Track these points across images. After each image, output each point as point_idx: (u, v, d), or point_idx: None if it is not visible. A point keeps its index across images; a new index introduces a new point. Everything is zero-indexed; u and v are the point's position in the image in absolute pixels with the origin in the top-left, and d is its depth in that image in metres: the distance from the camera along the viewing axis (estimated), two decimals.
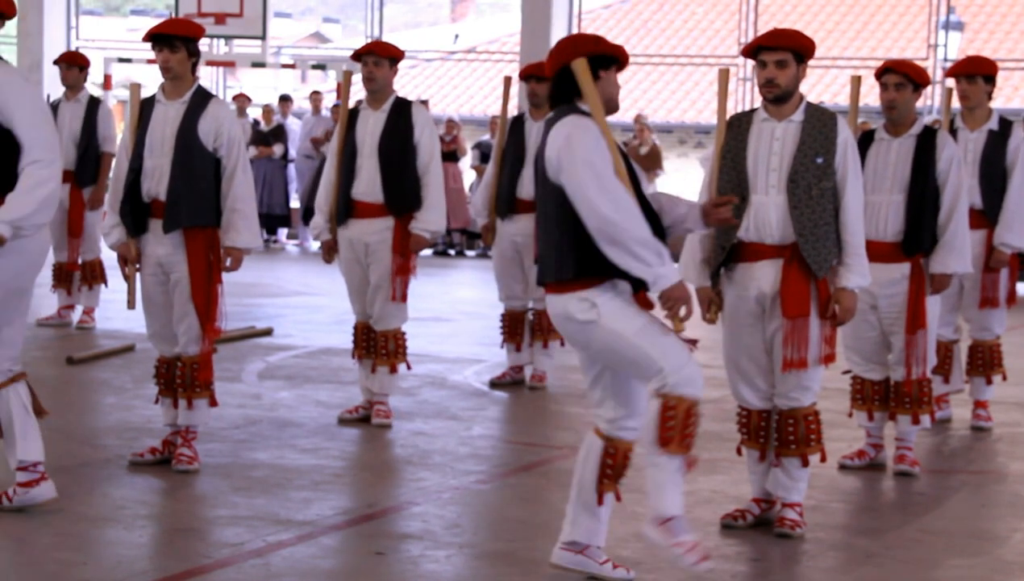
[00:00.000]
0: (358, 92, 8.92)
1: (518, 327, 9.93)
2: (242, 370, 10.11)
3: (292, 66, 24.27)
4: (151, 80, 7.90)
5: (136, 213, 7.22)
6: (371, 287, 8.48)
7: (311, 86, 29.02)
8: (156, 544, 6.15)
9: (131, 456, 7.36)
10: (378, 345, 8.53)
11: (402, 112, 8.42)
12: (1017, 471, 8.07)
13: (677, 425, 5.40)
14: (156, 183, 7.18)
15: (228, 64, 22.33)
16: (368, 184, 8.37)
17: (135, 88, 7.36)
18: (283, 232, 21.43)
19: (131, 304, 7.46)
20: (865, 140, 7.53)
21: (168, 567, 5.74)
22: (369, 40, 22.62)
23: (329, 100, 21.66)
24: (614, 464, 5.60)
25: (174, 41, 7.17)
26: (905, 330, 7.49)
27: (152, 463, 7.30)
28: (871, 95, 9.03)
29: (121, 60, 22.11)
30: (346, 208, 8.43)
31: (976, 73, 8.61)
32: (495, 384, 9.98)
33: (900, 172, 7.44)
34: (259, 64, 21.44)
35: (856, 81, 7.42)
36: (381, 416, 8.53)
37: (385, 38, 23.15)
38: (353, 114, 8.51)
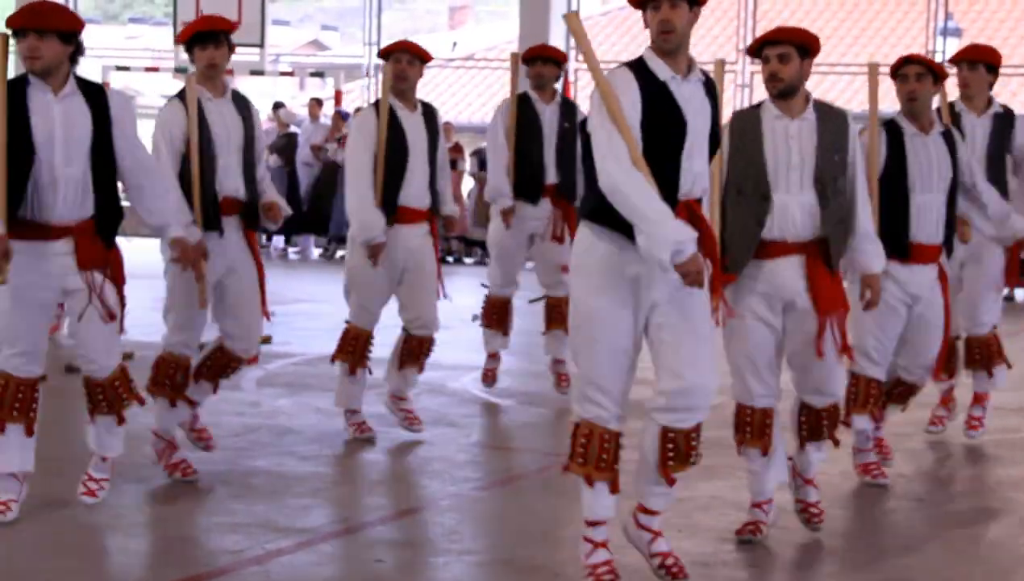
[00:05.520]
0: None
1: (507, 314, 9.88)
2: (241, 377, 10.05)
3: (290, 74, 24.29)
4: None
5: (210, 210, 7.15)
6: (410, 292, 8.35)
7: (309, 93, 29.00)
8: (154, 552, 6.14)
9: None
10: (418, 349, 8.45)
11: (431, 115, 8.41)
12: (1016, 477, 8.06)
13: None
14: (233, 180, 7.21)
15: (226, 72, 22.36)
16: (419, 189, 8.25)
17: (191, 80, 7.24)
18: (279, 239, 21.41)
19: (203, 303, 7.23)
20: (893, 136, 7.41)
21: (166, 574, 5.74)
22: (370, 47, 22.70)
23: (328, 107, 21.63)
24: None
25: (220, 36, 7.21)
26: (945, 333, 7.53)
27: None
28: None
29: (119, 68, 22.11)
30: (392, 213, 8.16)
31: (978, 60, 8.45)
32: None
33: (943, 170, 7.41)
34: (257, 72, 21.44)
35: (874, 69, 7.27)
36: (417, 423, 8.49)
37: (384, 45, 23.15)
38: (391, 116, 8.19)
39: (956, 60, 8.57)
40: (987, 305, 8.68)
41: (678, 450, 5.60)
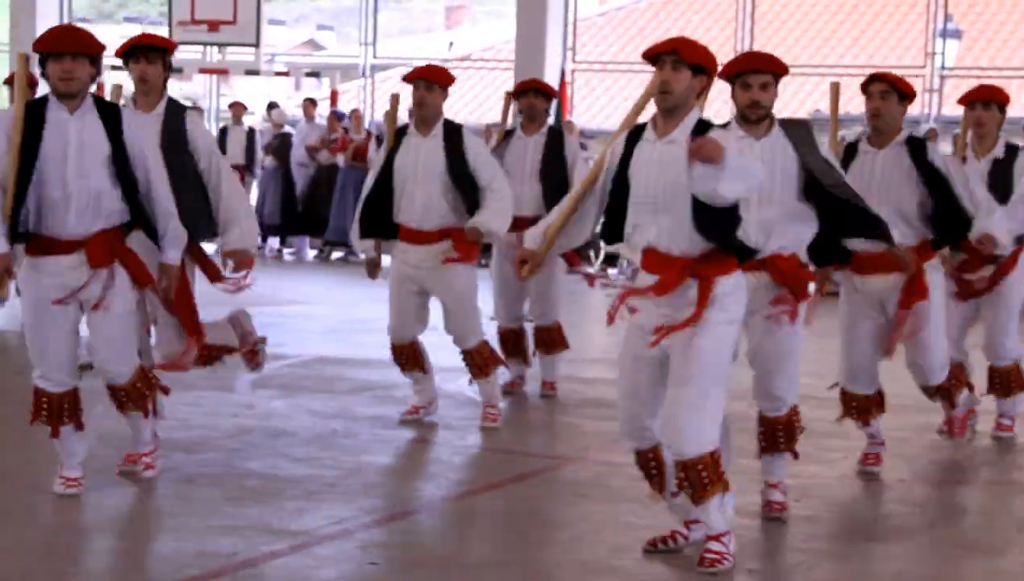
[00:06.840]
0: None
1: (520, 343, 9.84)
2: (235, 379, 10.05)
3: (286, 74, 24.23)
4: None
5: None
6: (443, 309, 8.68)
7: (304, 93, 28.97)
8: (148, 554, 6.10)
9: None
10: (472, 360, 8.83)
11: (451, 136, 8.47)
12: (1016, 481, 8.04)
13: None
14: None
15: (221, 72, 22.31)
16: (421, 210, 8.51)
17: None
18: (275, 240, 21.32)
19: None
20: (849, 152, 7.53)
21: (160, 577, 5.71)
22: (366, 47, 22.67)
23: (323, 107, 21.55)
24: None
25: (152, 52, 7.53)
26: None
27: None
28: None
29: (114, 68, 22.05)
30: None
31: (992, 100, 8.56)
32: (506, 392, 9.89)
33: (884, 183, 7.40)
34: (253, 72, 21.39)
35: (835, 88, 7.48)
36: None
37: (380, 45, 23.11)
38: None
39: (970, 101, 8.60)
40: (1010, 336, 8.68)
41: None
